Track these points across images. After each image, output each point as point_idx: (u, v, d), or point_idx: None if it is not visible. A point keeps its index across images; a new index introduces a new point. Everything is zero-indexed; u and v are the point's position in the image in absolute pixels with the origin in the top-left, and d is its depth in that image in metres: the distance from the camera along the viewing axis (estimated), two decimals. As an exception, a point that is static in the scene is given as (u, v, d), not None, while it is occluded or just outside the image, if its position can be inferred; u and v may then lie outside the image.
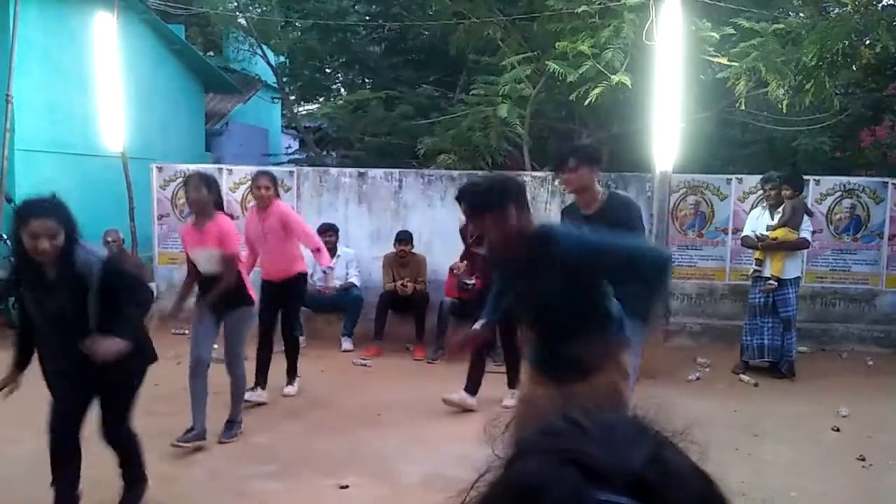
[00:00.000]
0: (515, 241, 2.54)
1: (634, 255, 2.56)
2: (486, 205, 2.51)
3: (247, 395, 5.00)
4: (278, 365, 5.22)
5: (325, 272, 5.65)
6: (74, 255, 2.85)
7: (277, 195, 5.24)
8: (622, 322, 2.70)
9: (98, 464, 3.26)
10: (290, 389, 5.30)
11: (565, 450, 0.56)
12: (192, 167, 7.97)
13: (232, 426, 4.38)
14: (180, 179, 7.83)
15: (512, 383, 5.01)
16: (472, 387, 5.01)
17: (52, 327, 2.93)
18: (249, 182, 5.88)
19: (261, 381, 5.07)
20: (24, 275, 2.91)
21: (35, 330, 3.04)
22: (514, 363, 4.97)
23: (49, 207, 2.80)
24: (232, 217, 4.46)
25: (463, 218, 4.28)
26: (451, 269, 6.50)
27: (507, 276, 2.79)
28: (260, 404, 4.99)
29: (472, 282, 6.17)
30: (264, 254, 5.16)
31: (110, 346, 2.80)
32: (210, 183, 4.24)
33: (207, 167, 8.24)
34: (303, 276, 5.37)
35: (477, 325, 2.87)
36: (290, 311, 5.31)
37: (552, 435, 0.60)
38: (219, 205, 4.30)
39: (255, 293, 4.49)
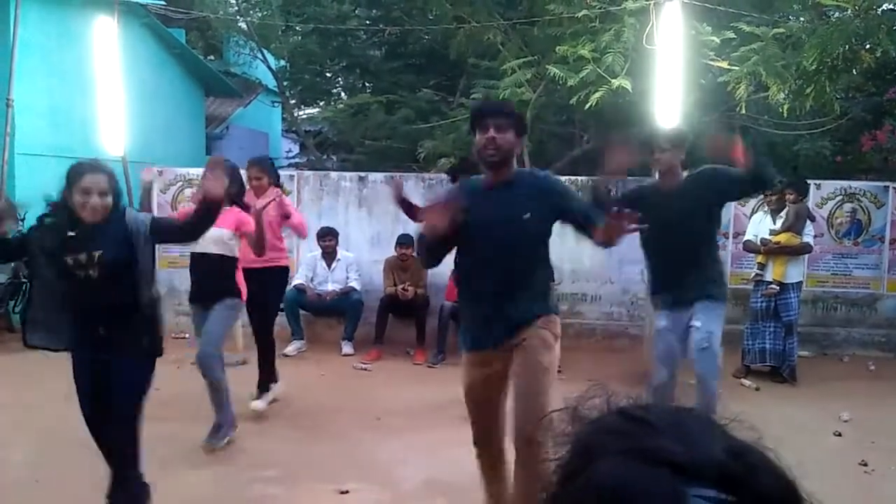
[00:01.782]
0: (509, 160, 2.87)
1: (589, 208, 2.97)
2: (511, 118, 2.84)
3: (256, 405, 4.84)
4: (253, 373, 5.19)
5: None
6: (124, 213, 2.97)
7: (274, 184, 4.94)
8: (551, 291, 3.05)
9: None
10: (258, 404, 4.80)
11: (648, 449, 0.54)
12: (193, 171, 7.97)
13: (218, 430, 4.17)
14: (181, 183, 7.83)
15: None
16: None
17: (81, 286, 2.85)
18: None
19: (265, 387, 4.94)
20: (58, 232, 2.89)
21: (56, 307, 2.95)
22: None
23: (99, 166, 2.95)
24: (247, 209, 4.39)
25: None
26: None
27: (476, 208, 2.87)
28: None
29: None
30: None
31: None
32: (234, 174, 4.20)
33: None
34: (285, 271, 5.00)
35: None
36: (269, 307, 4.93)
37: (621, 434, 0.57)
38: (236, 199, 4.28)
39: (244, 289, 4.38)
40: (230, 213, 4.22)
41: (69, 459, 3.00)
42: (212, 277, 4.22)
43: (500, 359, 2.86)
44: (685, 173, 3.86)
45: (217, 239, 4.14)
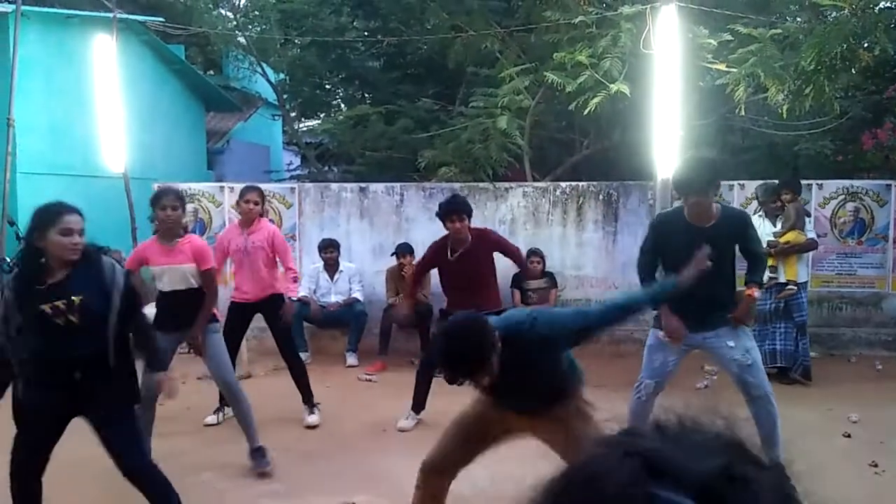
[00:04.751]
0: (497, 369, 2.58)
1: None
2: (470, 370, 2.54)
3: (209, 419, 4.99)
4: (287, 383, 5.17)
5: (289, 299, 5.07)
6: (101, 259, 2.91)
7: (263, 213, 5.07)
8: (574, 367, 2.88)
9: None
10: (312, 419, 4.97)
11: (634, 445, 0.57)
12: (194, 186, 7.99)
13: (260, 453, 4.15)
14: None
15: (416, 407, 4.98)
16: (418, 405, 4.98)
17: (60, 334, 2.79)
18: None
19: (224, 402, 4.96)
20: (30, 284, 2.81)
21: (21, 353, 2.85)
22: (423, 390, 4.94)
23: (73, 206, 2.88)
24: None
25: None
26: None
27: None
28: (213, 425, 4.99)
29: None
30: (244, 273, 4.90)
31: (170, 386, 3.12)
32: (184, 201, 4.19)
33: (209, 186, 8.25)
34: (281, 297, 5.04)
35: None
36: (281, 332, 5.01)
37: (630, 434, 0.61)
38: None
39: (219, 312, 4.37)
40: (186, 245, 4.11)
41: (65, 479, 2.99)
42: (182, 309, 4.07)
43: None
44: (717, 206, 3.71)
45: (182, 276, 4.09)
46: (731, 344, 3.66)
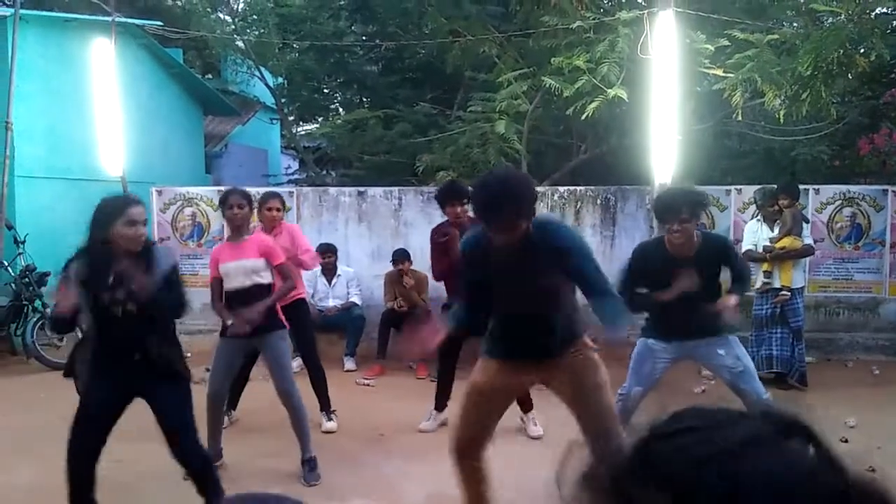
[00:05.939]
0: (521, 234, 2.62)
1: (602, 278, 2.77)
2: (515, 210, 2.57)
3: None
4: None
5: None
6: (152, 247, 3.09)
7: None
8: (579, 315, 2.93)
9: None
10: (330, 425, 4.96)
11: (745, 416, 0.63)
12: (193, 190, 7.99)
13: (311, 464, 4.13)
14: (180, 202, 7.85)
15: (438, 405, 4.96)
16: (441, 403, 4.96)
17: (124, 320, 2.93)
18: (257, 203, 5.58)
19: (232, 403, 4.98)
20: (98, 273, 2.92)
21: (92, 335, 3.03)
22: (446, 386, 4.93)
23: (136, 197, 3.11)
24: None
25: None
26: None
27: (493, 266, 2.81)
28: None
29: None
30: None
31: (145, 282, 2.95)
32: (249, 199, 4.23)
33: (208, 189, 8.25)
34: (304, 301, 5.11)
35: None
36: (304, 337, 5.00)
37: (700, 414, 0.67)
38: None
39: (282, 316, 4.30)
40: (253, 241, 4.13)
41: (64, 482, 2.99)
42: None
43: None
44: (698, 234, 3.64)
45: (247, 271, 4.04)
46: (722, 352, 3.66)
